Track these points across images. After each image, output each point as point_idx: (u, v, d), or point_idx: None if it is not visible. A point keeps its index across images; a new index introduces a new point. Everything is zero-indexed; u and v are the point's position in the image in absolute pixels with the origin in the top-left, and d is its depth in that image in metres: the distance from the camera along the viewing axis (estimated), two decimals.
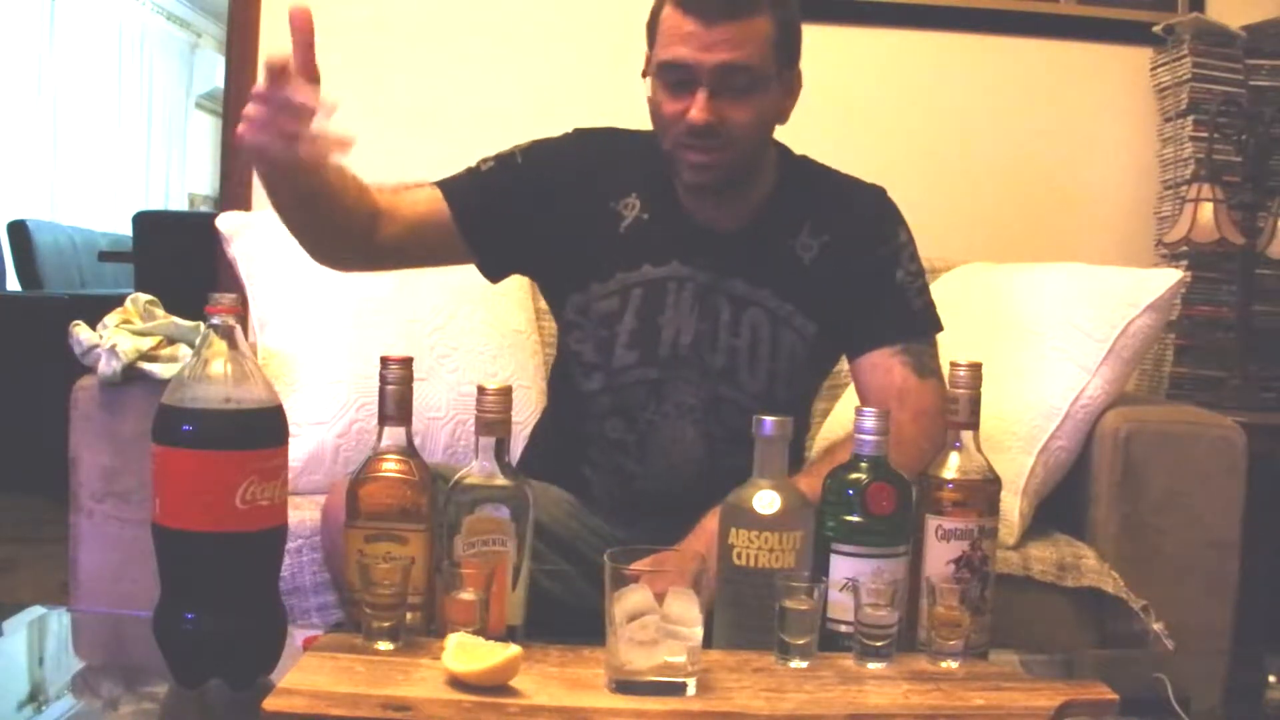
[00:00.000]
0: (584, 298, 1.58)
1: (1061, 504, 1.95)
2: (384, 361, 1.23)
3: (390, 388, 1.22)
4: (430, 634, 1.18)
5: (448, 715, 1.02)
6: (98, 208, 6.48)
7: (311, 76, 1.28)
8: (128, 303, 1.93)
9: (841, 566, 1.20)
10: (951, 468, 1.24)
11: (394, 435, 1.22)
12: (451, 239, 1.57)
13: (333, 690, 1.04)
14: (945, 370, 1.34)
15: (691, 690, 1.08)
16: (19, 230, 5.09)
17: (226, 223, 2.14)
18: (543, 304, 1.84)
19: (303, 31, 1.28)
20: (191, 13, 7.74)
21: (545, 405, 1.89)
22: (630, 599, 1.08)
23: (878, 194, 1.64)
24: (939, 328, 1.59)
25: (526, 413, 1.98)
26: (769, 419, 1.23)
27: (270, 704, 1.02)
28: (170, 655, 1.09)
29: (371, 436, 1.28)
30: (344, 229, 1.49)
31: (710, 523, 1.30)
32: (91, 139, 6.57)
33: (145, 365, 1.85)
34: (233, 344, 1.10)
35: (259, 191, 2.55)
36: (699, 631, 1.08)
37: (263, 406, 1.10)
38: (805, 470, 1.45)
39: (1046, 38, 2.70)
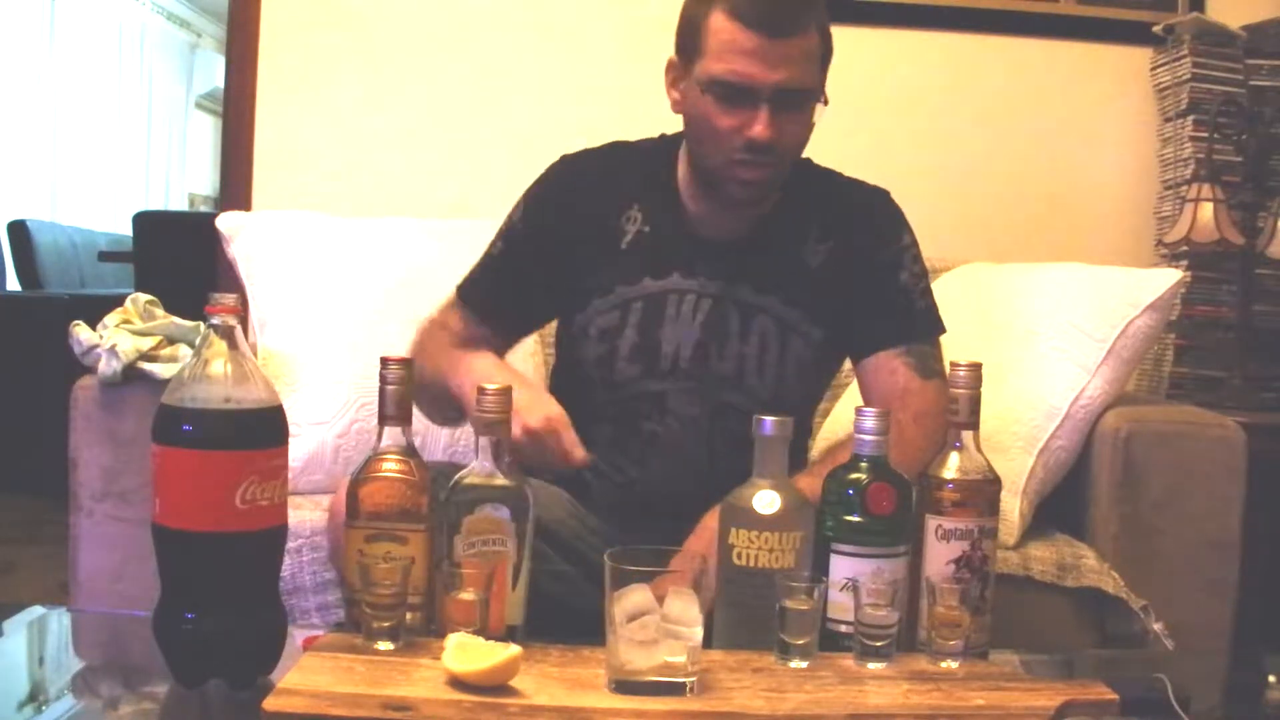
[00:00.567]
0: (585, 315, 1.58)
1: (1061, 504, 1.95)
2: (384, 362, 1.23)
3: (390, 388, 1.22)
4: (430, 634, 1.18)
5: (448, 715, 1.02)
6: (98, 208, 6.48)
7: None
8: (128, 303, 1.93)
9: (841, 566, 1.20)
10: (951, 468, 1.24)
11: (394, 435, 1.22)
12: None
13: (333, 690, 1.04)
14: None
15: (691, 690, 1.08)
16: (19, 230, 5.08)
17: (226, 223, 2.14)
18: None
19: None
20: (191, 13, 7.74)
21: None
22: (630, 599, 1.08)
23: (882, 197, 1.64)
24: (942, 329, 1.59)
25: None
26: (769, 419, 1.23)
27: (270, 704, 1.02)
28: (170, 655, 1.09)
29: (371, 436, 1.28)
30: None
31: (711, 521, 1.30)
32: (91, 139, 6.57)
33: (145, 365, 1.85)
34: (233, 344, 1.10)
35: (259, 191, 2.59)
36: (699, 631, 1.08)
37: (263, 406, 1.10)
38: (805, 470, 1.45)
39: (1046, 38, 2.71)
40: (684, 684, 1.08)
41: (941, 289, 1.85)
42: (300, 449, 1.88)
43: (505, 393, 1.21)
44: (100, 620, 1.60)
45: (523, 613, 1.21)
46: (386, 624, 1.14)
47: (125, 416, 1.86)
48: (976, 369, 1.26)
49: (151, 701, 1.16)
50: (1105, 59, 2.71)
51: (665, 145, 1.63)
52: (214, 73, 7.31)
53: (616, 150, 1.65)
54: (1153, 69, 2.67)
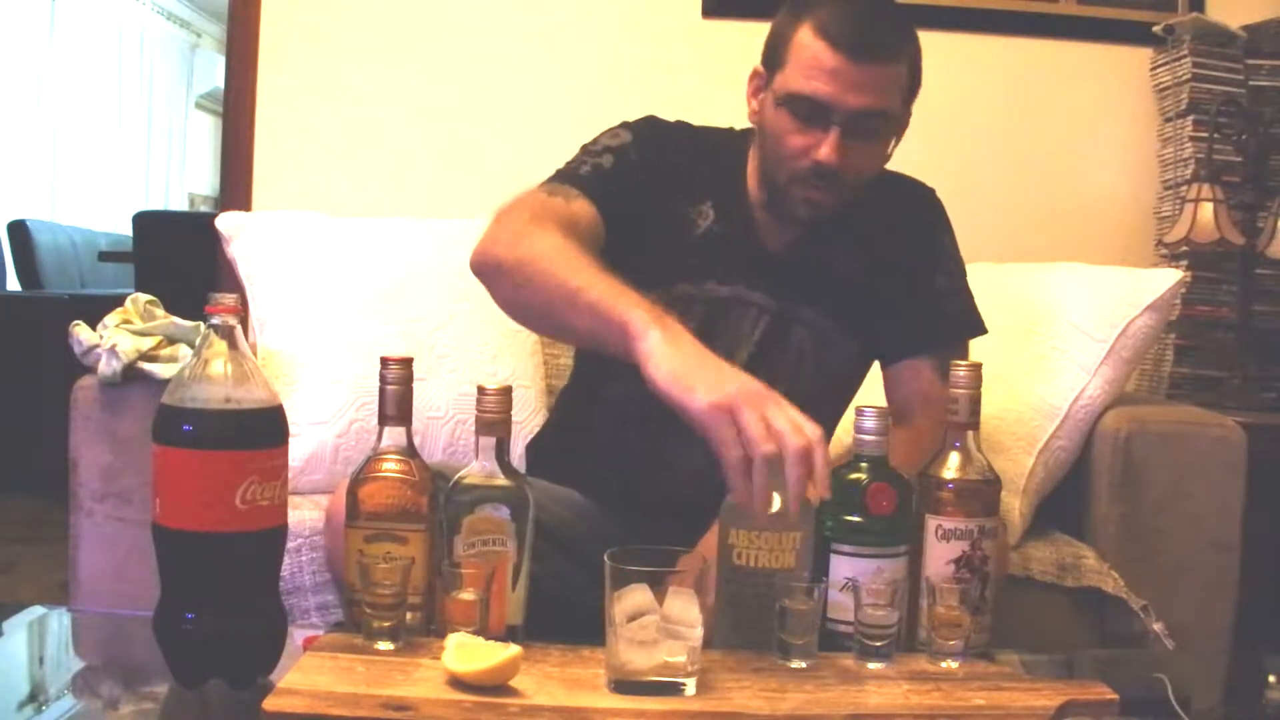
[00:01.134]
0: None
1: (1061, 504, 1.95)
2: (384, 361, 1.23)
3: (390, 388, 1.22)
4: (430, 634, 1.18)
5: (448, 715, 1.02)
6: (98, 208, 6.49)
7: None
8: (128, 303, 1.93)
9: (841, 566, 1.20)
10: (951, 468, 1.24)
11: (394, 435, 1.22)
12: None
13: (333, 690, 1.04)
14: None
15: (691, 690, 1.07)
16: (19, 230, 5.09)
17: (226, 223, 2.13)
18: None
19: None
20: (191, 13, 7.74)
21: (549, 415, 1.88)
22: (630, 599, 1.08)
23: (925, 196, 1.63)
24: (977, 331, 1.59)
25: (526, 413, 1.98)
26: None
27: (270, 704, 1.02)
28: (170, 655, 1.09)
29: (371, 436, 1.28)
30: None
31: None
32: (91, 139, 6.58)
33: (145, 365, 1.85)
34: (233, 344, 1.10)
35: (259, 191, 2.59)
36: (699, 631, 1.08)
37: (263, 406, 1.10)
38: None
39: (1046, 38, 2.70)
40: (683, 684, 1.07)
41: None
42: (300, 449, 1.88)
43: (505, 393, 1.21)
44: (100, 620, 1.60)
45: (523, 613, 1.20)
46: (386, 624, 1.14)
47: (125, 416, 1.85)
48: (976, 369, 1.26)
49: (151, 701, 1.16)
50: (1105, 59, 2.71)
51: (736, 142, 1.59)
52: (214, 73, 7.31)
53: (690, 133, 1.59)
54: (1153, 69, 2.67)
